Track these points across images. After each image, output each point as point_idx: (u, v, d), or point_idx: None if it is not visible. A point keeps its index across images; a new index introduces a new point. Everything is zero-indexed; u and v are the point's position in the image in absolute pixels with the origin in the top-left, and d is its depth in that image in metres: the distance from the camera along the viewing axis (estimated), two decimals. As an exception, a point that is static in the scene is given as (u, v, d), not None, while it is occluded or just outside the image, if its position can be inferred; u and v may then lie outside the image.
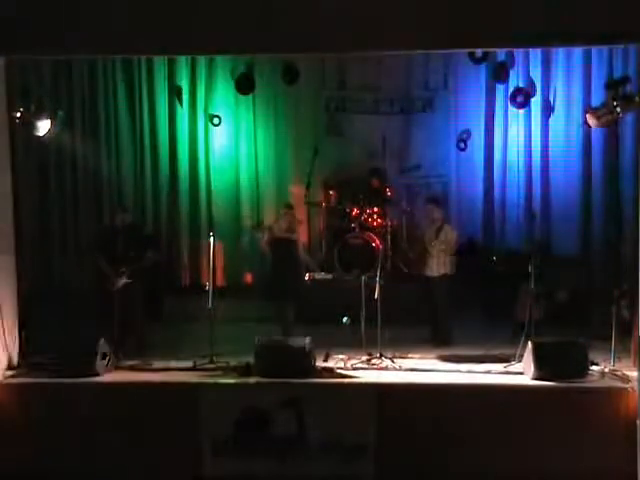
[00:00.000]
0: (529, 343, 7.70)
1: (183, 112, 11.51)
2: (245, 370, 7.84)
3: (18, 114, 8.15)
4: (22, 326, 8.30)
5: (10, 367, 8.00)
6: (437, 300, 8.98)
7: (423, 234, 9.25)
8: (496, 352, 8.41)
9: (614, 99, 7.58)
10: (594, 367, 7.73)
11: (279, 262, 8.97)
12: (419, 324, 9.29)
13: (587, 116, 8.09)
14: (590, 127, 8.88)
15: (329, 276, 10.56)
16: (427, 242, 9.02)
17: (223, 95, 11.47)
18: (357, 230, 10.61)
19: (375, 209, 10.84)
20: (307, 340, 7.83)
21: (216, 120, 11.46)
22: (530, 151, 11.15)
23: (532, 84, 10.98)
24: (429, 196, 10.11)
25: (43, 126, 8.29)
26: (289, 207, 9.41)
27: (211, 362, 8.08)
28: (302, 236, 11.11)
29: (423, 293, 9.18)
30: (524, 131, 11.15)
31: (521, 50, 10.49)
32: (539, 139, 11.09)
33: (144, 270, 8.65)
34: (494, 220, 11.39)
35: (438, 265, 8.91)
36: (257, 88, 11.21)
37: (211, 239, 8.77)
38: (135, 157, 11.47)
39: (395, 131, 11.38)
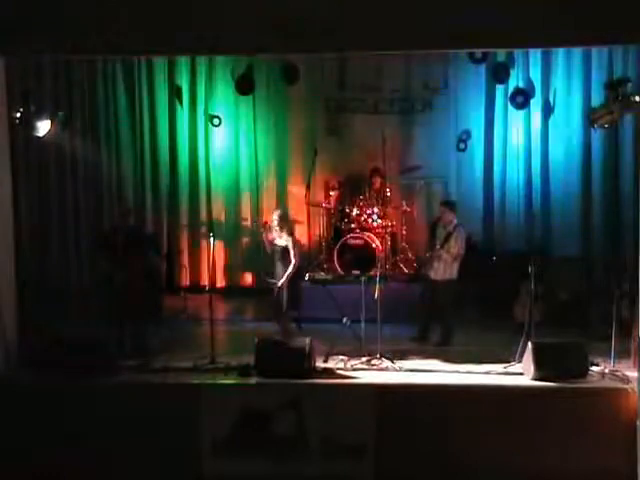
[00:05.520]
0: (529, 343, 7.70)
1: (183, 112, 11.51)
2: (245, 370, 7.84)
3: (18, 114, 8.16)
4: (22, 326, 8.31)
5: (10, 366, 8.00)
6: (439, 302, 8.96)
7: (434, 235, 9.19)
8: (496, 352, 8.40)
9: (614, 99, 7.57)
10: (594, 367, 7.73)
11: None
12: (417, 328, 9.27)
13: (588, 116, 8.09)
14: (591, 127, 8.87)
15: (329, 276, 10.56)
16: (437, 244, 8.96)
17: (223, 95, 11.47)
18: (357, 230, 10.60)
19: (375, 209, 10.83)
20: (307, 340, 7.84)
21: (216, 120, 11.46)
22: (530, 151, 11.15)
23: (532, 84, 10.98)
24: (444, 199, 10.01)
25: (43, 126, 8.31)
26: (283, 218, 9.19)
27: (211, 362, 8.08)
28: (301, 237, 11.19)
29: (425, 294, 9.15)
30: (524, 131, 11.15)
31: (521, 50, 10.49)
32: (539, 139, 11.08)
33: (144, 270, 8.65)
34: (494, 220, 11.38)
35: (444, 270, 8.88)
36: (257, 88, 11.21)
37: (211, 239, 8.77)
38: (135, 157, 11.47)
39: (395, 131, 11.37)
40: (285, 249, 8.92)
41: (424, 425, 7.38)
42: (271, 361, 7.78)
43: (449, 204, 9.21)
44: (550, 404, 7.36)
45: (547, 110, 11.04)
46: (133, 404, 7.55)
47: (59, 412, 7.54)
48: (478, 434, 7.31)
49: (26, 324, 8.40)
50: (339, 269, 10.39)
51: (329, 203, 11.19)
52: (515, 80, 10.96)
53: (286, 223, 9.10)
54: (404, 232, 11.15)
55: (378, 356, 8.13)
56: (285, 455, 7.48)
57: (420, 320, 9.12)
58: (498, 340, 8.89)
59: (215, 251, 8.98)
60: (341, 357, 8.23)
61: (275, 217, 9.05)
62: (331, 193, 11.20)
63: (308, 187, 11.06)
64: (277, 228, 8.95)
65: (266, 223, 9.24)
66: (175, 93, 11.44)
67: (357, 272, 9.92)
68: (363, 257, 10.14)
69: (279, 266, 8.98)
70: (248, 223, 11.50)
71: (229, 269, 11.69)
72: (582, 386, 7.46)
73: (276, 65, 11.15)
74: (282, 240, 8.94)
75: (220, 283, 11.51)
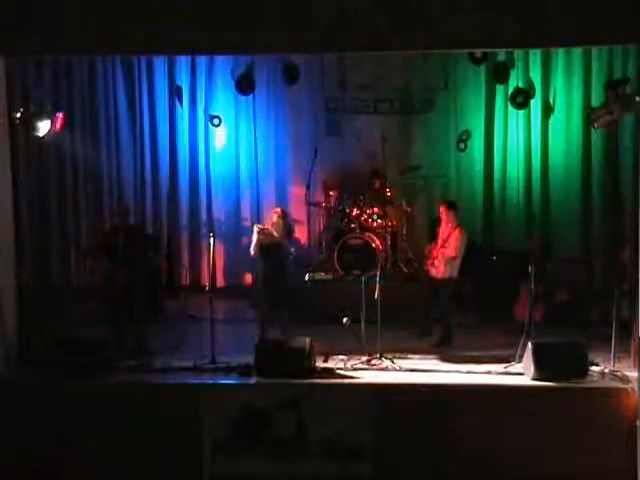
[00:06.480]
0: (529, 343, 7.70)
1: (183, 112, 11.51)
2: (245, 370, 7.84)
3: (18, 114, 8.16)
4: (22, 326, 8.31)
5: (10, 366, 8.00)
6: (439, 300, 8.96)
7: (434, 235, 9.18)
8: (496, 352, 8.40)
9: (614, 99, 7.57)
10: (594, 367, 7.73)
11: (272, 265, 8.95)
12: (419, 324, 9.28)
13: (588, 116, 8.10)
14: (591, 127, 8.88)
15: (329, 276, 10.55)
16: (438, 244, 8.97)
17: (223, 95, 11.48)
18: (357, 231, 10.60)
19: (375, 209, 10.83)
20: (307, 340, 7.83)
21: (216, 120, 11.47)
22: (530, 151, 11.15)
23: (532, 84, 10.99)
24: (444, 199, 9.99)
25: (43, 126, 8.30)
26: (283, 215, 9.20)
27: (211, 362, 8.07)
28: (302, 236, 11.22)
29: (426, 292, 9.15)
30: (524, 131, 11.15)
31: (521, 50, 10.49)
32: (539, 139, 11.09)
33: (144, 270, 8.65)
34: (494, 220, 11.39)
35: (444, 269, 8.88)
36: (257, 88, 11.21)
37: (211, 239, 8.76)
38: (135, 157, 11.47)
39: (395, 131, 11.37)
40: (278, 248, 8.89)
41: (424, 425, 7.38)
42: (271, 361, 7.78)
43: (449, 204, 9.21)
44: (550, 404, 7.36)
45: (547, 110, 11.04)
46: (133, 404, 7.55)
47: (59, 412, 7.53)
48: (478, 434, 7.30)
49: (26, 324, 8.39)
50: (339, 269, 10.38)
51: (329, 203, 11.19)
52: (515, 80, 10.97)
53: (286, 221, 9.11)
54: (404, 232, 11.15)
55: (378, 356, 8.13)
56: (285, 455, 7.48)
57: (421, 316, 9.13)
58: (498, 340, 8.89)
59: (215, 251, 8.97)
60: (341, 357, 8.23)
61: (276, 215, 9.05)
62: (331, 193, 11.19)
63: (308, 187, 11.06)
64: (278, 226, 8.94)
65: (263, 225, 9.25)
66: (175, 93, 11.45)
67: (357, 272, 9.91)
68: (363, 257, 10.13)
69: (267, 266, 8.96)
70: (248, 223, 11.49)
71: (229, 269, 11.70)
72: (582, 386, 7.46)
73: (276, 65, 11.15)
74: (280, 238, 8.93)
75: (220, 283, 11.52)
